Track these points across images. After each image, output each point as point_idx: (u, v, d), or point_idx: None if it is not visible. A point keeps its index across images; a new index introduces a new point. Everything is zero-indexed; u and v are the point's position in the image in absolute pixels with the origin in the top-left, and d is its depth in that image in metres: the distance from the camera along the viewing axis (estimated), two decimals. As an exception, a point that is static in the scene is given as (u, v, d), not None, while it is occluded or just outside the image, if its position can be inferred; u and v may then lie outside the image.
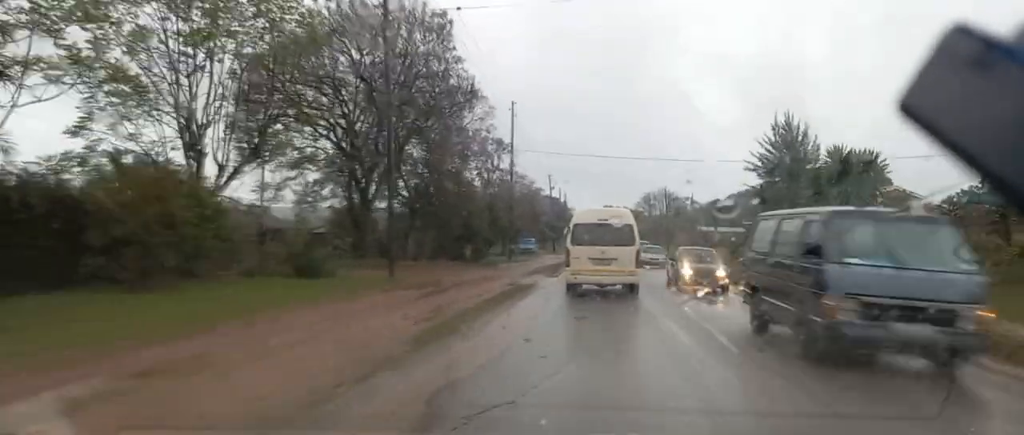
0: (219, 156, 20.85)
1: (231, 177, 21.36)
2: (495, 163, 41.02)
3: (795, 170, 37.53)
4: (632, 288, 17.47)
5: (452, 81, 33.45)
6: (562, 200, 66.02)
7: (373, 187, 32.87)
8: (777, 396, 7.18)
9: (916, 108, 0.83)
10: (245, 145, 21.44)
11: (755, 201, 46.51)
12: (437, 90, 31.62)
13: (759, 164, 39.72)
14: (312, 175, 31.06)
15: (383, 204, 34.25)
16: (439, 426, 5.39)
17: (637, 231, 18.10)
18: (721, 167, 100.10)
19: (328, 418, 5.38)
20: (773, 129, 38.39)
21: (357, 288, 17.36)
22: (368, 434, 5.40)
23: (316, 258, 19.73)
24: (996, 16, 0.85)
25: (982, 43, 0.78)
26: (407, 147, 33.50)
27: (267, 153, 24.11)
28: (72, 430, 2.93)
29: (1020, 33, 0.79)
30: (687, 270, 21.25)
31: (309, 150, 30.61)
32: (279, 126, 27.40)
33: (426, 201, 33.87)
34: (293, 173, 29.28)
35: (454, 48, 31.91)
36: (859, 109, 67.17)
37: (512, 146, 42.71)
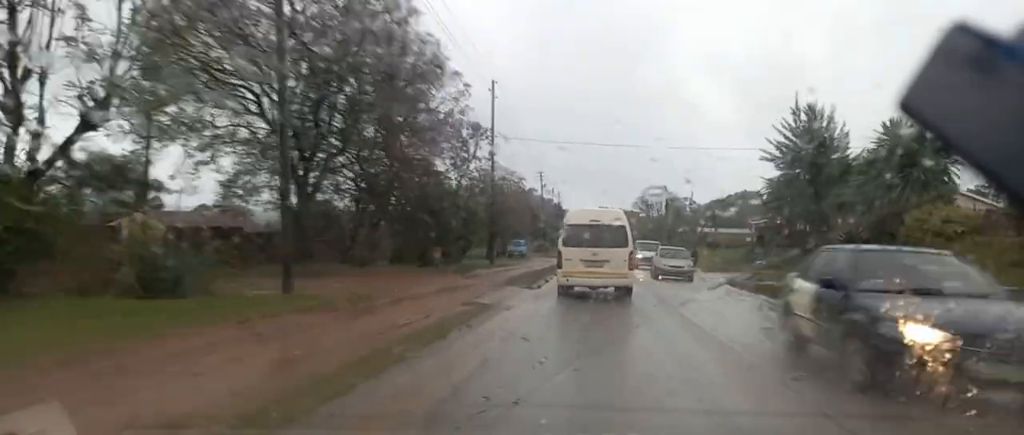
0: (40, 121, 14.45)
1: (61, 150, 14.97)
2: (472, 151, 34.58)
3: (820, 160, 31.16)
4: (628, 292, 16.86)
5: (415, 48, 27.27)
6: (556, 201, 60.38)
7: (316, 176, 26.72)
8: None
9: (917, 107, 0.83)
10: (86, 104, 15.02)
11: (755, 201, 44.01)
12: (382, 53, 25.26)
13: (778, 154, 33.86)
14: (231, 159, 24.82)
15: (327, 198, 28.42)
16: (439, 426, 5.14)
17: (631, 232, 17.47)
18: (720, 167, 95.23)
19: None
20: (793, 114, 32.39)
21: (214, 315, 11.15)
22: (368, 434, 5.25)
23: (176, 268, 13.43)
24: (996, 16, 0.83)
25: (983, 42, 0.78)
26: (359, 127, 27.21)
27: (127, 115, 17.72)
28: (73, 431, 2.68)
29: (1020, 32, 0.78)
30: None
31: (230, 128, 24.45)
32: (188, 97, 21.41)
33: (383, 194, 27.57)
34: (205, 156, 23.20)
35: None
36: (862, 109, 62.46)
37: (492, 131, 36.41)
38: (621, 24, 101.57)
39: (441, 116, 30.60)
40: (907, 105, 0.82)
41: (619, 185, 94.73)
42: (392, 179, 27.12)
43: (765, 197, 34.70)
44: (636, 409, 6.20)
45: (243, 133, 25.27)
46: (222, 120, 24.25)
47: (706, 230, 58.99)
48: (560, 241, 17.49)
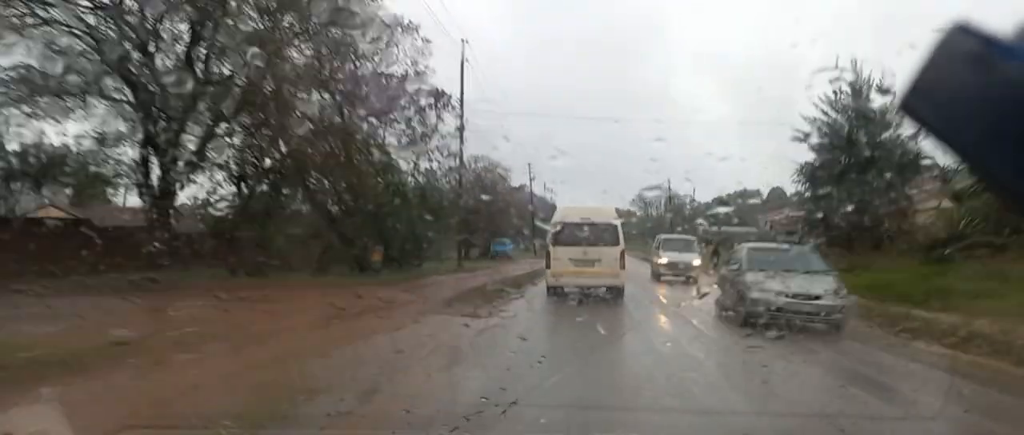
0: None
1: None
2: (433, 124, 26.74)
3: (871, 139, 24.79)
4: (619, 292, 16.32)
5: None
6: (551, 200, 53.58)
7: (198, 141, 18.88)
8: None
9: (917, 108, 0.82)
10: None
11: (754, 200, 43.70)
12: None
13: (812, 132, 26.82)
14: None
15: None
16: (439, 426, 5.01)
17: (622, 231, 17.01)
18: (720, 166, 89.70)
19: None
20: (832, 85, 25.58)
21: None
22: (368, 434, 5.28)
23: None
24: (996, 16, 0.82)
25: (983, 42, 0.77)
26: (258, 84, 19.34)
27: None
28: (72, 430, 2.72)
29: (1020, 32, 0.77)
30: None
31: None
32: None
33: (284, 173, 19.74)
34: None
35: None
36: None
37: (462, 98, 28.71)
38: (621, 24, 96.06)
39: (386, 80, 23.20)
40: (907, 106, 0.81)
41: (619, 185, 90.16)
42: (301, 154, 19.23)
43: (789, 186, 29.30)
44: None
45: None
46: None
47: (711, 229, 53.83)
48: (548, 239, 17.17)
